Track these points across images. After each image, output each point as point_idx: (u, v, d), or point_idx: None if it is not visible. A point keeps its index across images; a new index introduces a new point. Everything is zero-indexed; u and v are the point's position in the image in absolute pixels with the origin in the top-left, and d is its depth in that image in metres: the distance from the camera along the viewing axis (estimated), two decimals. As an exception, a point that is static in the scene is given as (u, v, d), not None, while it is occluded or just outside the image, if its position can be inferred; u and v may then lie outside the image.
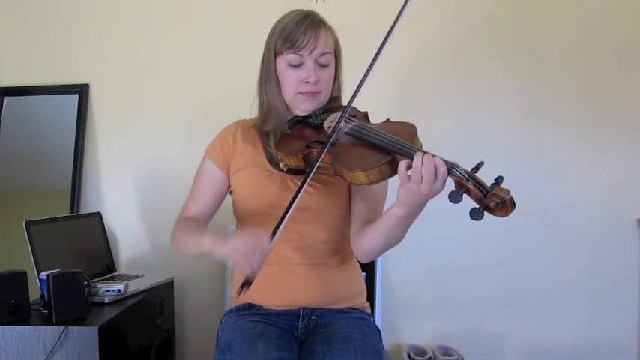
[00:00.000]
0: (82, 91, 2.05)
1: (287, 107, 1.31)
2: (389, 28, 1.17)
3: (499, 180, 0.98)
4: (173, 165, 2.03)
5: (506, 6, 2.02)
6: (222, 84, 2.01)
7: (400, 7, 1.17)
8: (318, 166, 1.19)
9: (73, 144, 2.02)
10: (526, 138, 2.03)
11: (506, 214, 0.96)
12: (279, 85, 1.29)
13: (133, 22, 2.06)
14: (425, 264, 2.04)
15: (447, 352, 1.96)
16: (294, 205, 1.10)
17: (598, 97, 2.01)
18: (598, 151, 2.01)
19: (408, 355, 1.93)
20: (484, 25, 2.02)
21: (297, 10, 1.28)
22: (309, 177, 1.13)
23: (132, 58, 2.06)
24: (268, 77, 1.29)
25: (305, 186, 1.12)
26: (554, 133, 2.02)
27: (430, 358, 1.93)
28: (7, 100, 2.07)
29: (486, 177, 0.99)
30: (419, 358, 1.92)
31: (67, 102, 2.05)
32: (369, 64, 1.17)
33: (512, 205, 0.95)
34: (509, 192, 0.96)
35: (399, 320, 2.06)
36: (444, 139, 1.97)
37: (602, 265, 2.02)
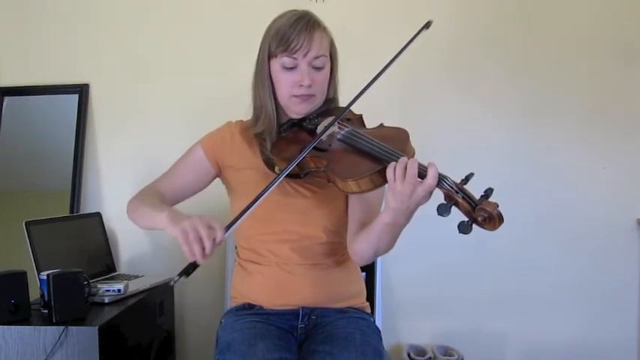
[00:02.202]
0: (82, 91, 2.05)
1: (279, 110, 1.30)
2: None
3: (488, 192, 0.97)
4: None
5: (506, 6, 2.02)
6: (222, 84, 2.01)
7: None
8: (313, 171, 1.19)
9: (73, 144, 2.02)
10: (526, 138, 2.03)
11: (494, 227, 0.95)
12: (271, 88, 1.28)
13: (133, 22, 2.06)
14: (425, 264, 2.04)
15: (447, 352, 1.96)
16: (257, 203, 1.07)
17: (598, 98, 2.01)
18: (598, 151, 2.01)
19: (408, 355, 1.93)
20: (484, 25, 2.02)
21: (293, 11, 1.27)
22: (284, 174, 1.12)
23: (132, 58, 2.06)
24: (261, 79, 1.28)
25: (276, 183, 1.10)
26: (554, 133, 2.02)
27: (430, 358, 1.93)
28: (7, 100, 2.07)
29: (483, 183, 0.99)
30: (419, 358, 1.92)
31: (67, 102, 2.05)
32: (369, 80, 1.17)
33: (500, 219, 0.94)
34: (497, 206, 0.95)
35: (399, 320, 2.06)
36: (444, 139, 1.98)
37: (602, 265, 2.02)
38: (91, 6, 2.06)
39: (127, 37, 2.06)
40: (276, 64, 1.25)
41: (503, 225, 0.94)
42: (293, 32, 1.21)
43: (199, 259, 1.01)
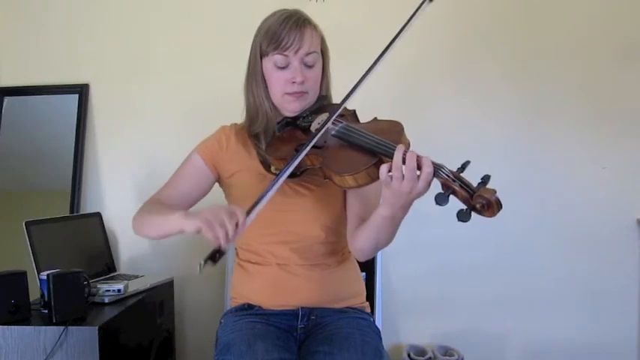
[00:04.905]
0: (82, 91, 2.05)
1: (275, 108, 1.30)
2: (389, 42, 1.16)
3: (485, 179, 0.96)
4: (173, 165, 1.99)
5: (506, 6, 2.02)
6: (222, 84, 1.99)
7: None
8: (309, 169, 1.18)
9: (73, 144, 2.02)
10: (526, 138, 2.03)
11: (493, 214, 0.93)
12: (266, 87, 1.28)
13: (133, 22, 2.06)
14: (425, 264, 2.04)
15: (447, 352, 1.96)
16: (274, 187, 1.06)
17: (598, 97, 2.01)
18: (598, 151, 2.01)
19: (408, 355, 1.93)
20: (484, 25, 2.02)
21: (282, 10, 1.27)
22: (288, 170, 1.10)
23: (132, 59, 2.06)
24: (255, 79, 1.28)
25: (286, 173, 1.09)
26: (554, 133, 2.02)
27: (430, 358, 1.93)
28: (7, 100, 2.07)
29: (480, 175, 0.98)
30: (419, 358, 1.92)
31: (67, 102, 2.05)
32: (365, 70, 1.16)
33: (499, 205, 0.93)
34: (495, 192, 0.94)
35: (399, 320, 2.06)
36: (444, 139, 1.98)
37: (602, 265, 2.02)
38: (91, 6, 2.06)
39: (126, 37, 2.06)
40: (268, 63, 1.25)
41: (501, 211, 0.93)
42: (283, 30, 1.21)
43: (224, 244, 0.99)
